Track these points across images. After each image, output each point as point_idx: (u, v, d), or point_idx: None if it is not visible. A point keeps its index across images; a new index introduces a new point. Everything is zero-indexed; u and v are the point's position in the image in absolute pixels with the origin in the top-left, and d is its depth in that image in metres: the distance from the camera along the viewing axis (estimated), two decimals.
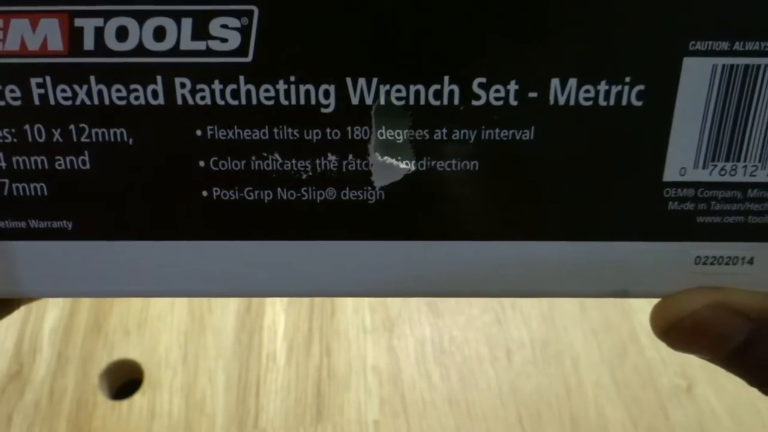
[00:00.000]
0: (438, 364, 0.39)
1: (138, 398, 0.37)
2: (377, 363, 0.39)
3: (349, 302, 0.42)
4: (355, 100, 0.16)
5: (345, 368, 0.38)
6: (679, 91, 0.16)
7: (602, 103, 0.16)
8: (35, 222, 0.17)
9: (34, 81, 0.16)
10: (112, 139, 0.16)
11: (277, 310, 0.41)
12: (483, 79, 0.16)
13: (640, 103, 0.16)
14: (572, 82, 0.16)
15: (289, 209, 0.17)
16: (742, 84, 0.16)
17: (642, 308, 0.41)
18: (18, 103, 0.16)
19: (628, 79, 0.16)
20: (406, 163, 0.16)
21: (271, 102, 0.16)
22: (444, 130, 0.16)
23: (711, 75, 0.16)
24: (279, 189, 0.16)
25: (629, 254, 0.17)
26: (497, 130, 0.16)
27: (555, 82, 0.16)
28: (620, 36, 0.15)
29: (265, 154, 0.16)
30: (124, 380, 0.39)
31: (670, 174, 0.16)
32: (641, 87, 0.16)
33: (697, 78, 0.16)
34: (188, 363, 0.38)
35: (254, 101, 0.16)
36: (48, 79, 0.16)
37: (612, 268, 0.17)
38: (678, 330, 0.16)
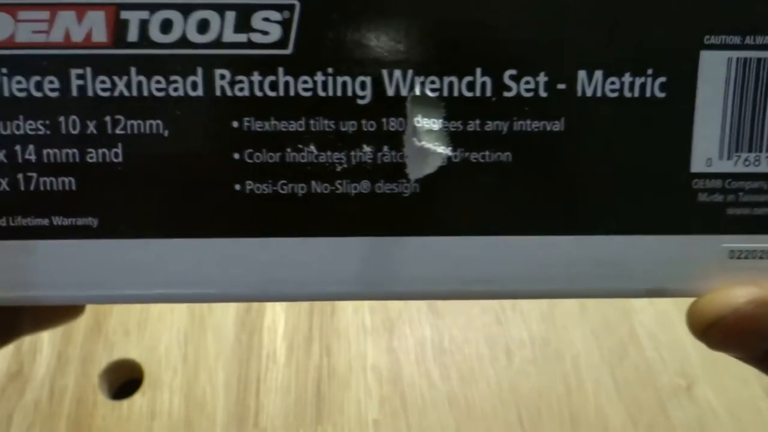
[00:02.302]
0: (438, 363, 0.39)
1: (138, 398, 0.37)
2: (377, 363, 0.39)
3: (348, 302, 0.42)
4: (390, 92, 0.16)
5: (345, 368, 0.38)
6: (699, 83, 0.16)
7: (627, 94, 0.16)
8: (59, 219, 0.16)
9: (74, 72, 0.16)
10: (148, 131, 0.16)
11: (277, 310, 0.41)
12: (514, 71, 0.16)
13: (663, 95, 0.16)
14: (598, 74, 0.16)
15: (322, 203, 0.16)
16: (756, 76, 0.16)
17: (642, 308, 0.41)
18: (55, 94, 0.16)
19: (650, 71, 0.16)
20: (441, 155, 0.16)
21: (309, 93, 0.16)
22: (477, 121, 0.16)
23: (727, 67, 0.16)
24: (313, 182, 0.16)
25: (663, 248, 0.17)
26: (529, 121, 0.16)
27: (582, 74, 0.16)
28: (641, 29, 0.16)
29: (300, 146, 0.16)
30: (124, 380, 0.39)
31: (697, 165, 0.17)
32: (663, 79, 0.16)
33: (714, 70, 0.16)
34: (188, 363, 0.38)
35: (292, 93, 0.16)
36: (89, 70, 0.16)
37: (646, 263, 0.17)
38: (718, 328, 0.16)
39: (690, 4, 0.16)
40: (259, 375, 0.38)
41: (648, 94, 0.16)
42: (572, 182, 0.17)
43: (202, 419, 0.36)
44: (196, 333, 0.39)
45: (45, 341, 0.39)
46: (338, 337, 0.40)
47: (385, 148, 0.16)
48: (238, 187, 0.16)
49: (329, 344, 0.39)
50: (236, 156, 0.16)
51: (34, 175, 0.16)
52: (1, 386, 0.37)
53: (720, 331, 0.16)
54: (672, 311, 0.41)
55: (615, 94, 0.16)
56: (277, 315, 0.41)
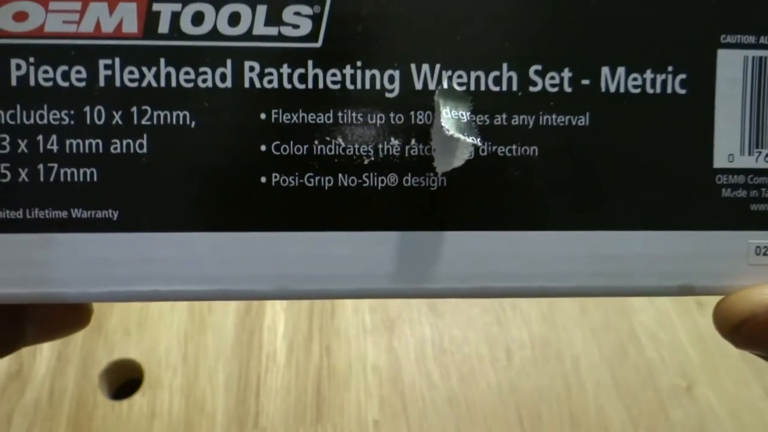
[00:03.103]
0: (438, 364, 0.39)
1: (138, 398, 0.37)
2: (377, 363, 0.39)
3: (349, 302, 0.42)
4: (418, 85, 0.16)
5: (345, 368, 0.38)
6: (718, 80, 0.17)
7: (649, 90, 0.17)
8: (78, 211, 0.16)
9: (102, 62, 0.16)
10: (174, 122, 0.16)
11: (277, 310, 0.41)
12: (539, 66, 0.16)
13: (684, 91, 0.17)
14: (621, 70, 0.16)
15: (349, 196, 0.16)
16: None
17: (642, 308, 0.41)
18: (82, 84, 0.16)
19: (671, 68, 0.17)
20: (469, 146, 0.16)
21: (338, 86, 0.16)
22: (504, 115, 0.16)
23: (744, 66, 0.17)
24: (340, 175, 0.16)
25: (689, 244, 0.17)
26: (554, 116, 0.16)
27: (605, 70, 0.16)
28: (661, 27, 0.16)
29: (328, 139, 0.16)
30: (124, 380, 0.39)
31: (719, 161, 0.17)
32: (683, 76, 0.17)
33: (731, 68, 0.17)
34: (188, 363, 0.38)
35: (321, 85, 0.16)
36: (117, 60, 0.16)
37: (673, 259, 0.17)
38: (749, 327, 0.16)
39: (707, 3, 0.16)
40: (259, 375, 0.38)
41: (669, 90, 0.17)
42: (598, 177, 0.17)
43: (202, 419, 0.36)
44: (196, 333, 0.39)
45: None
46: (338, 337, 0.40)
47: (413, 142, 0.16)
48: (264, 179, 0.16)
49: (329, 344, 0.39)
50: (263, 148, 0.16)
51: (55, 165, 0.16)
52: (1, 386, 0.37)
53: (750, 330, 0.16)
54: (672, 311, 0.41)
55: (637, 90, 0.17)
56: (277, 315, 0.41)
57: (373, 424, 0.36)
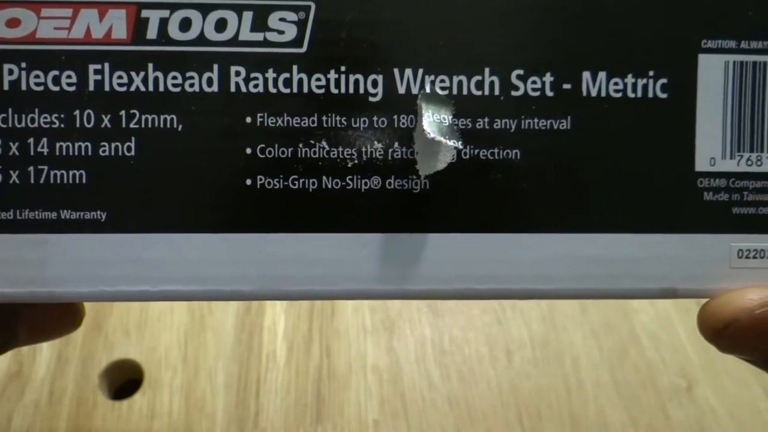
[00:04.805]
0: (438, 364, 0.39)
1: (138, 398, 0.37)
2: (377, 363, 0.39)
3: (349, 302, 0.42)
4: (401, 90, 0.17)
5: (345, 368, 0.38)
6: (699, 84, 0.17)
7: (630, 95, 0.17)
8: (67, 212, 0.16)
9: (92, 67, 0.16)
10: (162, 126, 0.16)
11: (277, 311, 0.41)
12: (521, 71, 0.17)
13: (665, 96, 0.17)
14: (602, 75, 0.17)
15: (333, 198, 0.17)
16: (753, 79, 0.17)
17: (642, 309, 0.41)
18: (72, 89, 0.16)
19: (651, 73, 0.17)
20: (451, 149, 0.16)
21: (322, 90, 0.16)
22: (486, 119, 0.17)
23: (725, 70, 0.17)
24: (325, 177, 0.17)
25: (671, 247, 0.17)
26: (536, 120, 0.17)
27: (586, 75, 0.17)
28: (642, 31, 0.17)
29: (312, 142, 0.17)
30: (124, 380, 0.39)
31: (701, 164, 0.17)
32: (664, 80, 0.17)
33: (712, 73, 0.17)
34: (188, 363, 0.38)
35: (305, 90, 0.16)
36: (107, 65, 0.16)
37: (655, 262, 0.17)
38: (731, 331, 0.16)
39: (688, 8, 0.17)
40: (259, 375, 0.38)
41: (650, 94, 0.17)
42: (580, 180, 0.17)
43: (202, 419, 0.36)
44: (196, 333, 0.39)
45: None
46: (338, 338, 0.40)
47: (396, 145, 0.17)
48: (249, 182, 0.17)
49: (329, 344, 0.39)
50: (248, 151, 0.16)
51: (45, 167, 0.16)
52: (1, 386, 0.37)
53: (733, 334, 0.16)
54: (672, 311, 0.41)
55: (619, 95, 0.17)
56: (277, 315, 0.41)
57: (373, 424, 0.36)
